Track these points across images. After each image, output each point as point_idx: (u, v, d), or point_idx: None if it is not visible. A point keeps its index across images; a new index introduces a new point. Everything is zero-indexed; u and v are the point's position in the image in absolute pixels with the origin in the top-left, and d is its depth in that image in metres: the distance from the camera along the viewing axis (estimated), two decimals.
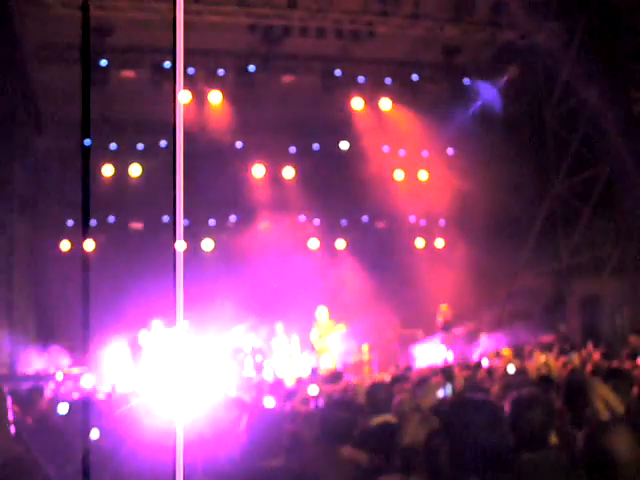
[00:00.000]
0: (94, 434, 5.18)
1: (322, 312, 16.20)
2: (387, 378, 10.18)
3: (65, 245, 18.33)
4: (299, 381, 11.03)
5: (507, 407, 4.01)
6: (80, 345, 15.49)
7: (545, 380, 6.90)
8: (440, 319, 16.95)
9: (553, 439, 4.39)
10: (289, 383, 11.52)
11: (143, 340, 15.52)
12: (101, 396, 9.74)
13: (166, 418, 4.53)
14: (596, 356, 12.33)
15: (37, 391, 8.76)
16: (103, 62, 15.62)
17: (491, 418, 3.50)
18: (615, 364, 10.06)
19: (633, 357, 10.77)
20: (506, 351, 15.11)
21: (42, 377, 12.99)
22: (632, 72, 15.25)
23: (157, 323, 15.43)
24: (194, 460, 3.97)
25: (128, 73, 16.50)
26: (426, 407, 5.70)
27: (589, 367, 9.56)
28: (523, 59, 17.36)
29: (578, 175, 17.07)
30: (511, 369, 9.33)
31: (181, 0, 3.03)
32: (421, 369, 12.68)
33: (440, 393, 6.51)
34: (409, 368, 13.06)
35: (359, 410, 5.65)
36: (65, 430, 5.79)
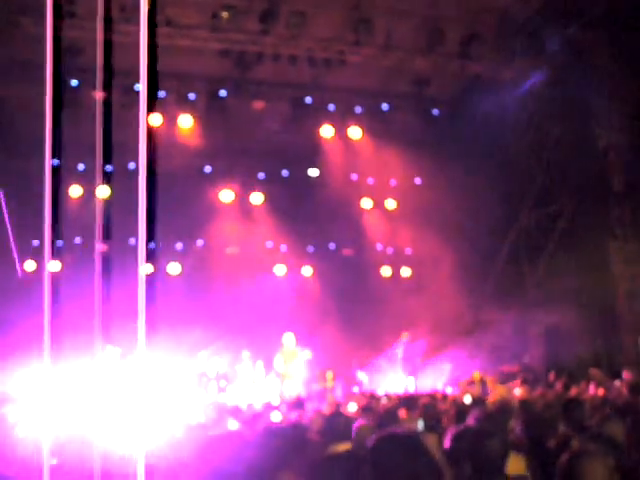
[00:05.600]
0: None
1: (289, 338, 16.17)
2: (351, 407, 10.18)
3: (30, 265, 18.14)
4: (262, 407, 10.98)
5: (463, 438, 4.04)
6: (42, 366, 15.28)
7: (504, 410, 6.95)
8: (401, 347, 16.98)
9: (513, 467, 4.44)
10: (252, 409, 11.47)
11: (103, 363, 15.32)
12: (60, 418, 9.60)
13: (124, 447, 4.51)
14: (558, 387, 12.46)
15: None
16: (74, 82, 15.60)
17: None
18: (574, 394, 10.19)
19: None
20: (476, 376, 15.21)
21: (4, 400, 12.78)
22: (596, 108, 15.55)
23: (116, 348, 15.20)
24: None
25: (100, 94, 16.46)
26: None
27: (550, 397, 9.66)
28: (491, 92, 17.61)
29: (543, 208, 17.33)
30: (468, 399, 9.38)
31: (145, 23, 3.06)
32: (386, 397, 12.69)
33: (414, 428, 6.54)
34: (373, 396, 13.06)
35: (305, 438, 5.59)
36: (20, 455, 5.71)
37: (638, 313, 15.28)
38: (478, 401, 8.75)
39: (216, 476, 4.21)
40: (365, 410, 8.68)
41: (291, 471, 4.66)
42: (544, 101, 16.86)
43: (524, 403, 7.79)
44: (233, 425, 7.88)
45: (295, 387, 15.77)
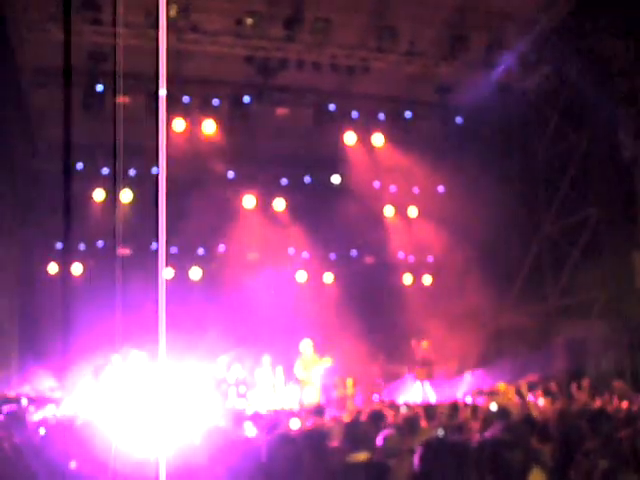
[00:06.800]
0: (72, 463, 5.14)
1: (306, 345, 16.13)
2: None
3: (53, 268, 18.26)
4: (281, 413, 10.95)
5: (485, 449, 4.00)
6: (62, 368, 15.38)
7: (527, 421, 6.87)
8: (420, 355, 16.88)
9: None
10: (271, 415, 11.45)
11: (117, 366, 15.31)
12: (79, 421, 9.62)
13: (145, 451, 4.49)
14: (582, 397, 12.35)
15: (18, 415, 8.66)
16: (99, 87, 15.69)
17: (463, 460, 3.50)
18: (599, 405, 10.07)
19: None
20: (502, 387, 15.09)
21: (23, 400, 12.84)
22: (621, 117, 15.41)
23: (135, 351, 15.22)
24: None
25: (123, 99, 16.55)
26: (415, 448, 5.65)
27: (575, 408, 9.55)
28: (515, 101, 17.53)
29: (567, 218, 17.19)
30: (494, 407, 9.29)
31: (164, 28, 3.05)
32: (406, 406, 12.62)
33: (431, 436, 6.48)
34: (393, 405, 12.99)
35: (324, 445, 5.52)
36: (42, 455, 5.71)
37: None
38: (502, 411, 8.64)
39: None
40: (373, 418, 8.54)
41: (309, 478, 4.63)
42: (569, 110, 16.74)
43: (561, 413, 7.70)
44: (251, 431, 7.87)
45: (315, 394, 15.72)
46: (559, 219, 17.59)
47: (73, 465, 5.16)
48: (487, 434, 4.39)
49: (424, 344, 17.02)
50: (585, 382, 13.69)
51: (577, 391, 13.13)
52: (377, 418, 8.37)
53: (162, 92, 3.16)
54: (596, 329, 15.84)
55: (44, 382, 14.92)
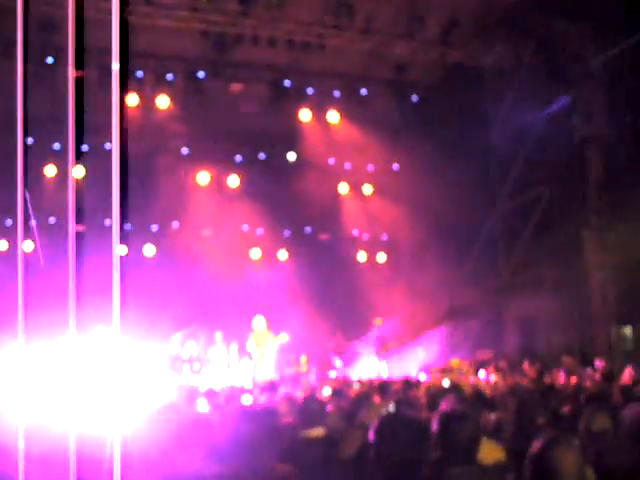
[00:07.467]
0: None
1: (259, 322, 16.09)
2: (325, 392, 10.19)
3: (2, 245, 17.95)
4: (234, 390, 10.96)
5: (435, 422, 4.04)
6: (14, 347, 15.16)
7: (478, 396, 6.97)
8: (374, 333, 16.99)
9: (491, 453, 4.45)
10: (225, 392, 11.45)
11: (78, 344, 15.16)
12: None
13: (99, 429, 4.45)
14: (532, 374, 12.55)
15: None
16: (50, 60, 15.38)
17: (418, 435, 3.54)
18: (548, 382, 10.26)
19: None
20: (455, 363, 15.30)
21: None
22: (575, 98, 15.60)
23: (101, 327, 15.07)
24: (130, 468, 3.91)
25: (75, 72, 16.24)
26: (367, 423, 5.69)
27: (525, 384, 9.71)
28: (471, 80, 17.61)
29: (520, 196, 17.39)
30: (446, 383, 9.42)
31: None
32: (359, 383, 12.71)
33: (384, 412, 6.52)
34: (346, 382, 13.08)
35: (278, 423, 5.54)
36: None
37: (611, 303, 15.41)
38: (455, 387, 8.77)
39: (188, 460, 4.19)
40: (335, 394, 8.67)
41: (264, 455, 4.63)
42: (524, 89, 16.87)
43: (515, 388, 7.83)
44: (205, 407, 7.87)
45: (268, 370, 15.75)
46: (512, 197, 17.80)
47: (22, 445, 5.08)
48: (438, 408, 4.44)
49: (378, 321, 17.13)
50: (529, 360, 13.96)
51: (527, 367, 13.37)
52: (338, 395, 8.48)
53: (115, 66, 3.10)
54: (546, 305, 16.10)
55: None
